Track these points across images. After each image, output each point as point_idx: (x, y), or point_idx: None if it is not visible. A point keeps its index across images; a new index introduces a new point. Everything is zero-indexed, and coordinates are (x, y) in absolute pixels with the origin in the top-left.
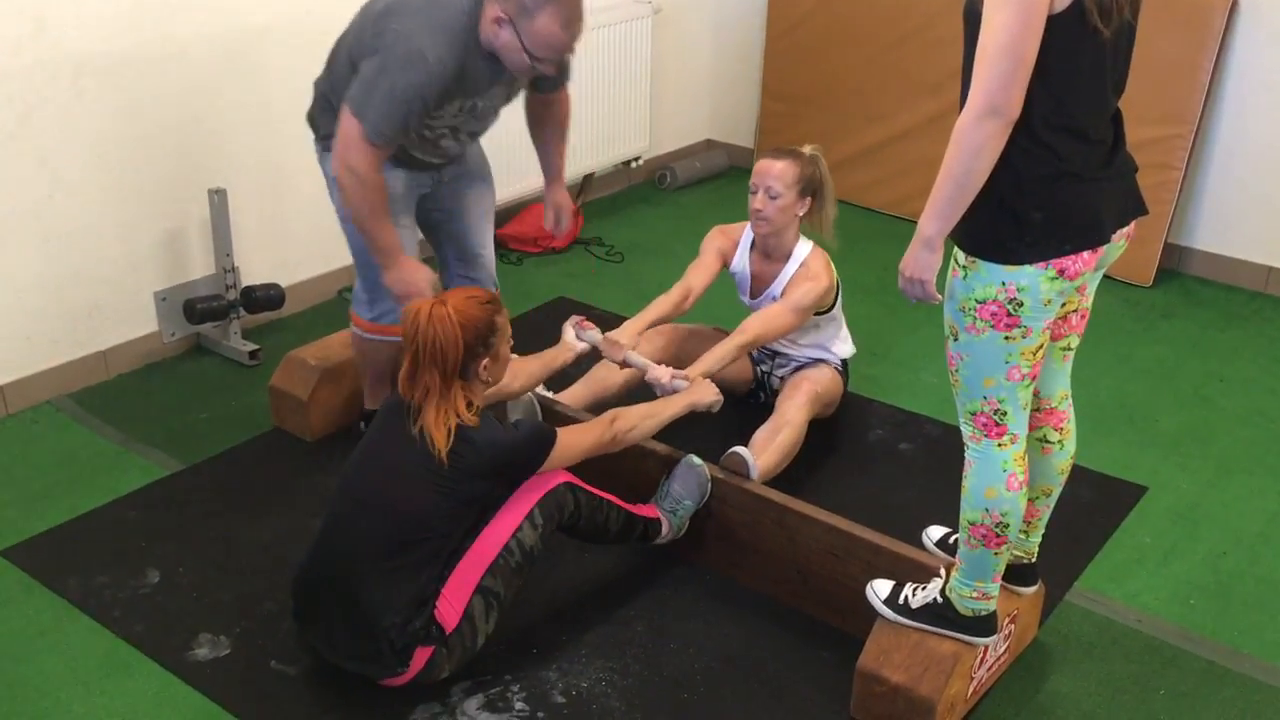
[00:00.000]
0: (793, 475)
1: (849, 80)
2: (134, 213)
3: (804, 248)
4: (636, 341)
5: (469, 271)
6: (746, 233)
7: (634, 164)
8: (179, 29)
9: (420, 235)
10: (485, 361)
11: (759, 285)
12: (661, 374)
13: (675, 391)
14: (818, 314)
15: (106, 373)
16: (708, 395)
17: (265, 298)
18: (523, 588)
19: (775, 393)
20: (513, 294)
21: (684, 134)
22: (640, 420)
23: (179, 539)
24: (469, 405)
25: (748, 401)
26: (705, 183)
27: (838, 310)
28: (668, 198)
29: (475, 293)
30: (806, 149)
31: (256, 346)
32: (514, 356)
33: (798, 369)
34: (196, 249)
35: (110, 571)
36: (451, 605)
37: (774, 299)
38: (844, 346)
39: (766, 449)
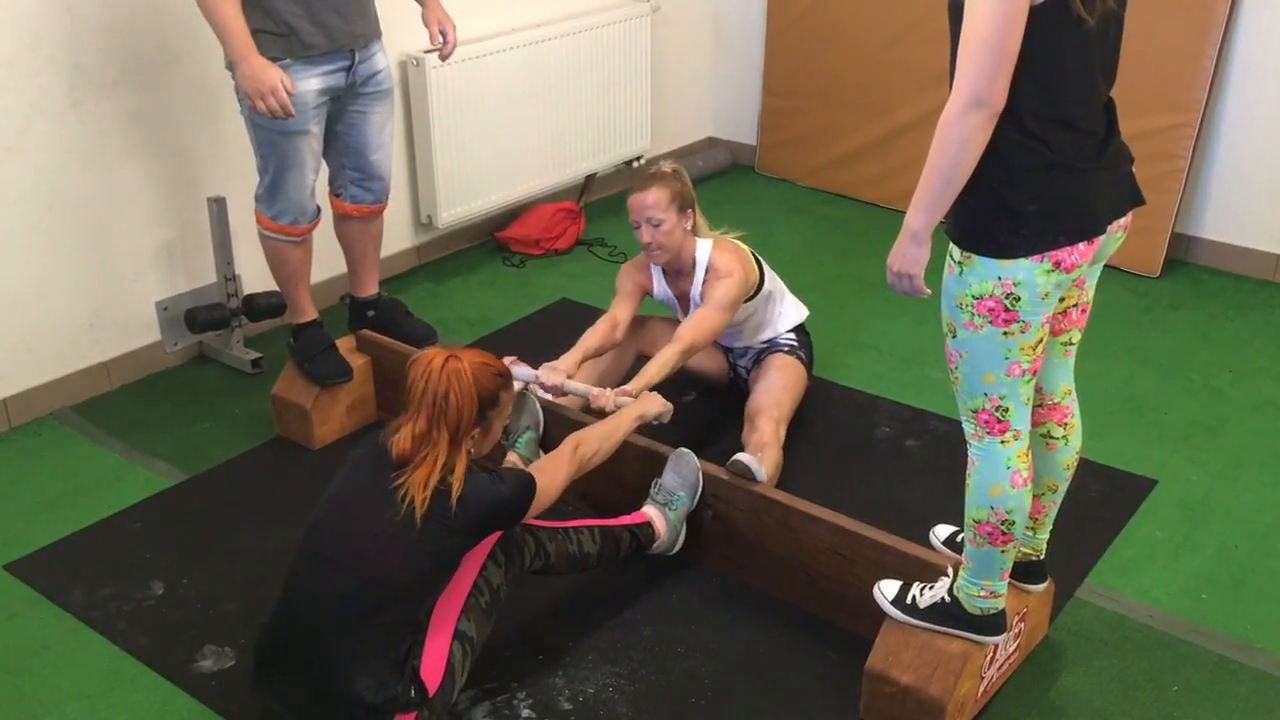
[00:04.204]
0: (797, 473)
1: (849, 75)
2: (134, 223)
3: (704, 251)
4: (574, 371)
5: (365, 180)
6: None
7: (636, 163)
8: (175, 38)
9: (322, 147)
10: (477, 432)
11: (684, 303)
12: (605, 400)
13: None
14: (747, 300)
15: (109, 384)
16: (654, 406)
17: (267, 305)
18: (490, 635)
19: (746, 380)
20: (515, 296)
21: (685, 132)
22: (600, 443)
23: (183, 550)
24: (454, 469)
25: (730, 392)
26: (708, 180)
27: (767, 287)
28: None
29: (489, 360)
30: (667, 167)
31: (259, 355)
32: None
33: (758, 355)
34: (197, 258)
35: (114, 584)
36: (433, 661)
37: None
38: (792, 315)
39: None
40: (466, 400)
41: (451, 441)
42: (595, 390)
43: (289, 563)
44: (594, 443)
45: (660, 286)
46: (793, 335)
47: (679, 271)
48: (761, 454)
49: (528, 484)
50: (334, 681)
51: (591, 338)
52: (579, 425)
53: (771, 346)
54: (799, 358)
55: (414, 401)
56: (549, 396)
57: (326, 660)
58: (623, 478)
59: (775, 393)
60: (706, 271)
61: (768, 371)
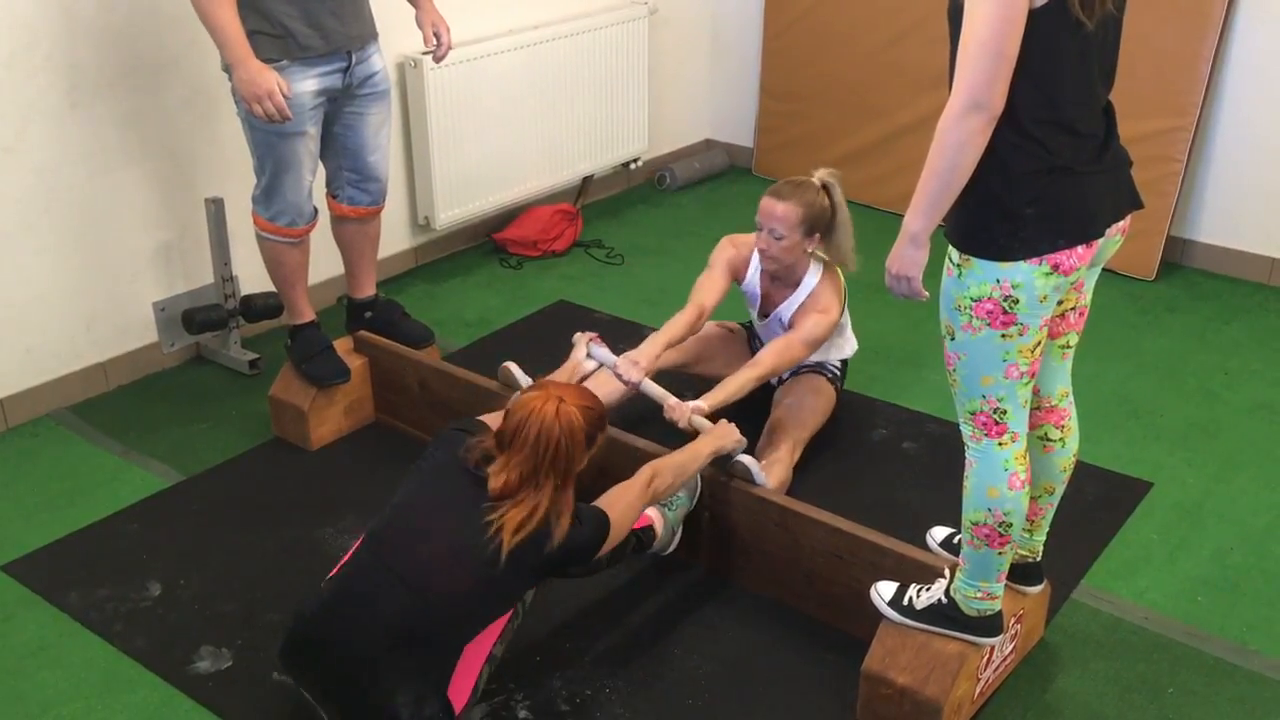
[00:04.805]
0: (795, 475)
1: (847, 78)
2: (131, 223)
3: (814, 275)
4: (654, 367)
5: (362, 181)
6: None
7: (633, 165)
8: (172, 39)
9: (319, 149)
10: None
11: (768, 305)
12: (679, 415)
13: (693, 429)
14: None
15: (106, 384)
16: (730, 440)
17: (264, 306)
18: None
19: (773, 388)
20: (512, 298)
21: (683, 134)
22: (674, 477)
23: (180, 551)
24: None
25: (749, 400)
26: (705, 183)
27: (843, 319)
28: (668, 198)
29: (591, 403)
30: (818, 177)
31: (256, 355)
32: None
33: (795, 370)
34: (194, 259)
35: (111, 585)
36: (463, 682)
37: (781, 321)
38: (846, 348)
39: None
40: (578, 449)
41: (558, 487)
42: (672, 401)
43: (349, 560)
44: (668, 476)
45: (753, 279)
46: (838, 365)
47: (779, 279)
48: (770, 467)
49: (604, 525)
50: (373, 691)
51: (677, 326)
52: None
53: (813, 368)
54: (836, 387)
55: (522, 444)
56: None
57: (370, 670)
58: (620, 476)
59: (802, 414)
60: (807, 296)
61: (802, 391)
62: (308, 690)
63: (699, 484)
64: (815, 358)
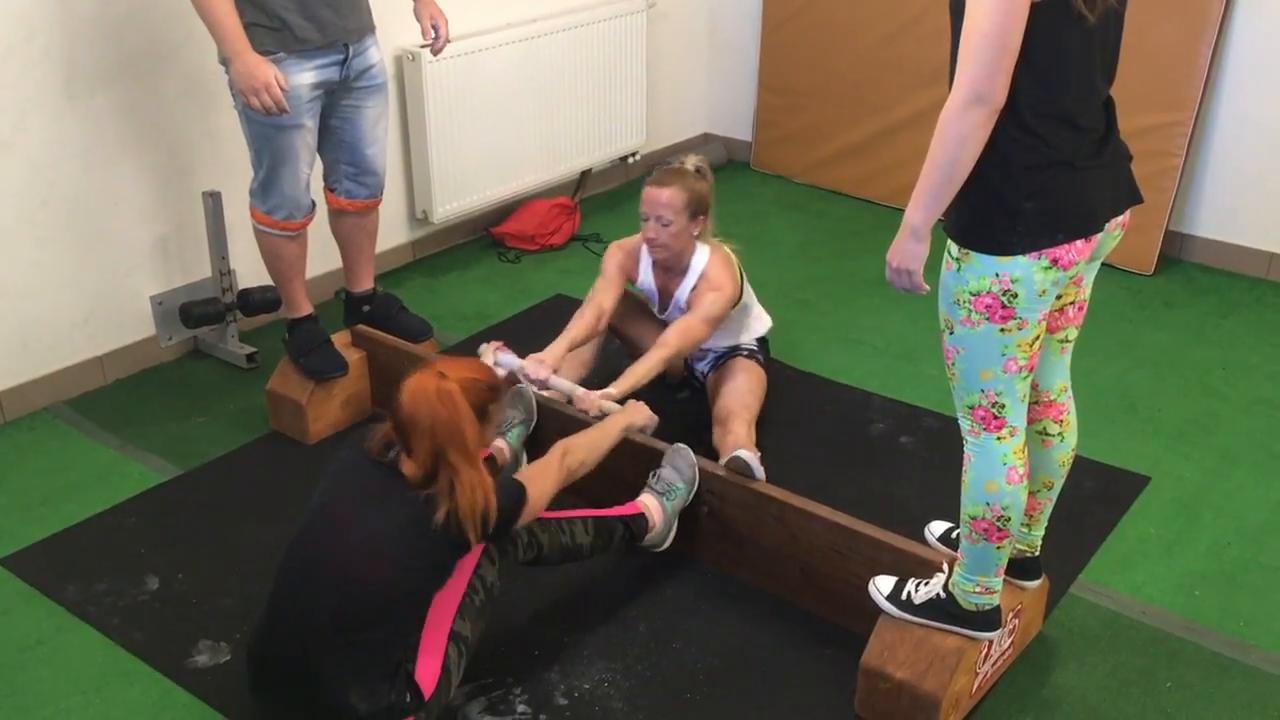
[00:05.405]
0: (792, 470)
1: (845, 72)
2: (128, 217)
3: (701, 257)
4: (560, 365)
5: (359, 174)
6: (646, 249)
7: (631, 159)
8: (169, 32)
9: (316, 141)
10: None
11: (665, 298)
12: (589, 404)
13: (605, 414)
14: None
15: (104, 378)
16: (640, 417)
17: (262, 300)
18: (485, 631)
19: (703, 383)
20: (510, 292)
21: (681, 128)
22: (587, 453)
23: (178, 545)
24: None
25: (682, 390)
26: None
27: (744, 299)
28: None
29: (478, 375)
30: (691, 163)
31: (254, 349)
32: None
33: (717, 359)
34: (192, 252)
35: (109, 579)
36: (428, 662)
37: (680, 308)
38: (756, 326)
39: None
40: (465, 422)
41: (465, 460)
42: (580, 391)
43: (275, 573)
44: (580, 452)
45: (646, 276)
46: (754, 343)
47: (670, 269)
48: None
49: (520, 496)
50: (327, 694)
51: (578, 327)
52: (574, 420)
53: (733, 351)
54: (758, 362)
55: (413, 426)
56: (534, 389)
57: (317, 674)
58: (617, 471)
59: (744, 396)
60: (699, 278)
61: (734, 374)
62: (276, 710)
63: (696, 478)
64: (728, 341)
